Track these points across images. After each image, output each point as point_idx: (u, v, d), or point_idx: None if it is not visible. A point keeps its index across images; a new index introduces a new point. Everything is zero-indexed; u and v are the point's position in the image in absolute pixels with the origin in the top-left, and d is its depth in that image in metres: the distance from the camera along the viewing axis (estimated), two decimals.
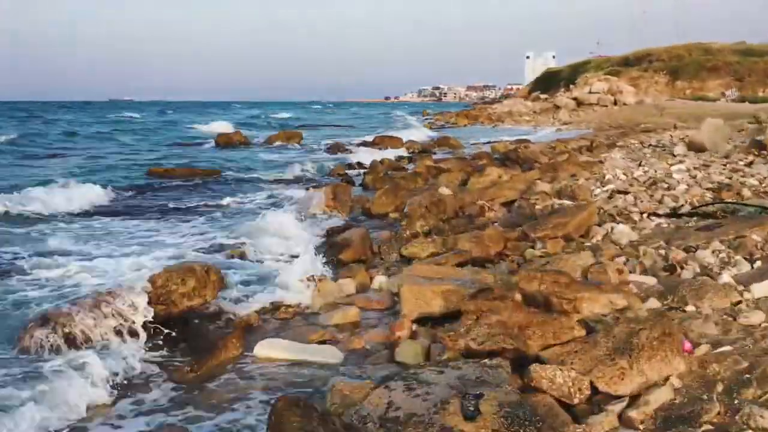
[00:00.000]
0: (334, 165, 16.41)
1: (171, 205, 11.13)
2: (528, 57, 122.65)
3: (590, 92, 42.97)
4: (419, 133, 35.70)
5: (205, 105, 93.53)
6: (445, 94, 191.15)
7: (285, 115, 57.25)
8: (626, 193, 9.25)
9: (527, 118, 43.84)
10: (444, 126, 44.65)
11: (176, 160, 18.56)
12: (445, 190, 11.08)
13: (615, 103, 40.67)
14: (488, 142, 26.26)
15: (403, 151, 22.17)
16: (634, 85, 42.38)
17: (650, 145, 19.16)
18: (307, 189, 11.47)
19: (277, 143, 23.89)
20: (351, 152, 21.11)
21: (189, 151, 22.39)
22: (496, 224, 8.07)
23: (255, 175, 15.35)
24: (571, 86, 49.95)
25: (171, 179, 14.50)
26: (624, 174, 11.34)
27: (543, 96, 56.06)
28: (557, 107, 43.65)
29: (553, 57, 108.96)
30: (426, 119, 57.22)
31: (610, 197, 9.14)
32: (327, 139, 28.41)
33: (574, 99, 43.32)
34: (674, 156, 13.69)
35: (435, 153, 21.80)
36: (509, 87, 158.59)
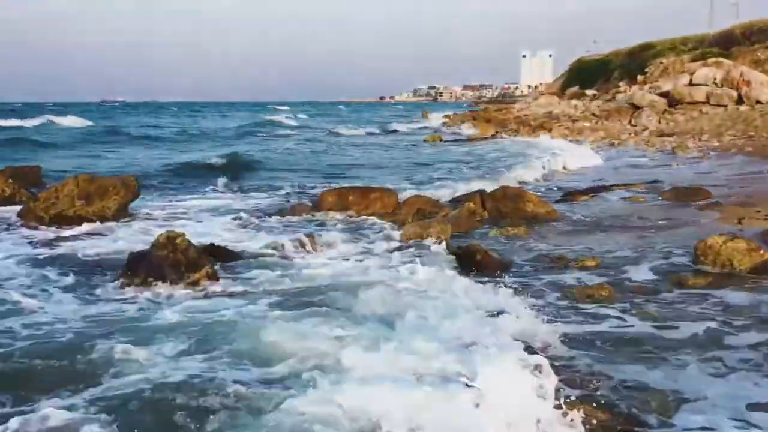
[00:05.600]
0: None
1: None
2: (524, 56, 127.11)
3: (691, 84, 27.38)
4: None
5: (163, 105, 77.18)
6: (441, 93, 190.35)
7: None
8: None
9: (587, 125, 28.38)
10: (459, 137, 29.07)
11: None
12: None
13: (739, 101, 25.24)
14: (591, 190, 11.15)
15: (394, 251, 7.01)
16: (762, 72, 27.03)
17: None
18: None
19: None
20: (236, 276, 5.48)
21: None
22: None
23: None
24: (640, 77, 34.38)
25: None
26: None
27: (590, 92, 40.47)
28: (636, 108, 28.13)
29: (550, 56, 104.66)
30: (426, 127, 41.76)
31: None
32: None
33: (664, 95, 27.75)
34: None
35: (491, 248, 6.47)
36: (506, 86, 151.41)
